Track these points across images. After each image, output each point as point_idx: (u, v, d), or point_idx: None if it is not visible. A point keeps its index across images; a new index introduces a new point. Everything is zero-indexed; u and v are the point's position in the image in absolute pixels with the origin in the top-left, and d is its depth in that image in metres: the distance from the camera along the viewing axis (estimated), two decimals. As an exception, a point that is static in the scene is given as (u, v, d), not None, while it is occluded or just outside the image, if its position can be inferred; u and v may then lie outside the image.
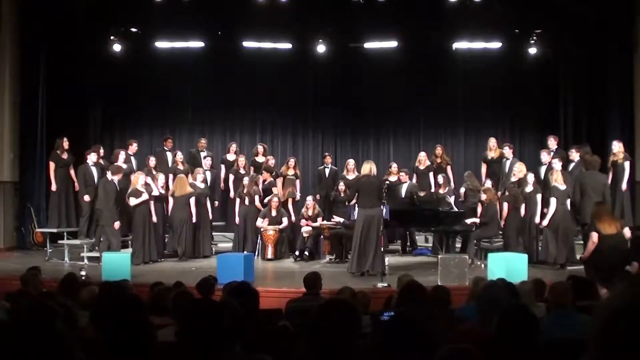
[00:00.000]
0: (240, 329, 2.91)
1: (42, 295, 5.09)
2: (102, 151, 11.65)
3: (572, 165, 10.63)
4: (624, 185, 10.27)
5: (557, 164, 10.29)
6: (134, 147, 11.73)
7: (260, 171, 11.66)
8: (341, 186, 11.26)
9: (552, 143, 11.30)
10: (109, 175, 10.51)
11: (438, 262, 8.45)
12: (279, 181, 11.77)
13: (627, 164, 10.31)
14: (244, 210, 11.06)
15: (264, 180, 11.45)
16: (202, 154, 12.25)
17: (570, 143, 11.86)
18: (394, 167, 11.81)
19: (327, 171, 12.23)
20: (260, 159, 12.19)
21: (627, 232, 8.24)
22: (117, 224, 10.05)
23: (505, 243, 9.97)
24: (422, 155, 12.15)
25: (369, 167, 9.19)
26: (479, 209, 10.49)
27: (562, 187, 9.67)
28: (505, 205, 10.10)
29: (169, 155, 12.07)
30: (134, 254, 9.91)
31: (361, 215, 9.02)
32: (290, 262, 10.68)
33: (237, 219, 11.11)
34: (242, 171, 11.73)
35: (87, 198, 10.95)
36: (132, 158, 11.65)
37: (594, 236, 8.00)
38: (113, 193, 10.21)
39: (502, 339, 2.71)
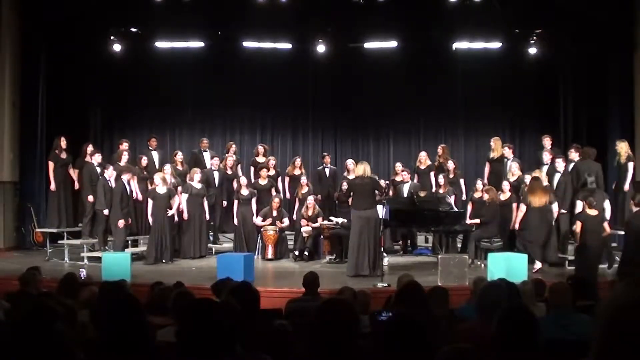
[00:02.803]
0: (240, 329, 2.91)
1: (42, 295, 5.09)
2: (91, 147, 11.65)
3: (571, 164, 10.63)
4: (626, 186, 10.27)
5: (560, 164, 10.29)
6: (124, 147, 11.72)
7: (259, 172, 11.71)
8: (344, 186, 11.27)
9: (547, 142, 11.33)
10: (107, 174, 10.61)
11: (438, 262, 8.45)
12: (286, 181, 11.90)
13: (630, 165, 10.30)
14: (242, 211, 11.06)
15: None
16: (205, 154, 12.25)
17: (570, 143, 11.86)
18: (399, 166, 11.81)
19: (327, 171, 12.24)
20: (260, 159, 12.19)
21: (555, 206, 9.45)
22: (120, 223, 10.11)
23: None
24: (423, 155, 12.15)
25: (362, 168, 9.16)
26: (469, 208, 10.52)
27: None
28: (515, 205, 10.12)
29: (155, 154, 12.06)
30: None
31: (355, 218, 8.99)
32: (290, 262, 10.69)
33: (235, 220, 11.10)
34: (229, 171, 11.72)
35: (91, 198, 10.95)
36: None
37: (522, 207, 9.50)
38: (119, 193, 10.29)
39: (502, 339, 2.70)
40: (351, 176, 11.59)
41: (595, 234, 8.59)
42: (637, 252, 8.27)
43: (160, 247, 10.24)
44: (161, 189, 10.33)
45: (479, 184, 10.66)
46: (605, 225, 8.87)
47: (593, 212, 8.61)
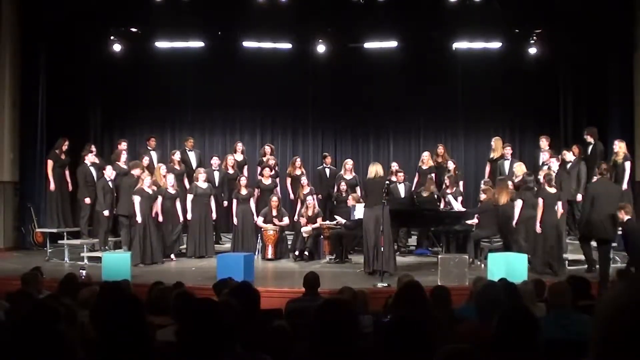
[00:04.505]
0: (240, 329, 2.92)
1: (44, 296, 5.10)
2: (93, 148, 11.65)
3: (569, 164, 10.64)
4: (624, 185, 10.28)
5: (554, 164, 10.31)
6: (122, 146, 11.70)
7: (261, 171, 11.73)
8: (342, 186, 11.29)
9: (544, 143, 11.37)
10: (107, 174, 10.63)
11: (438, 262, 8.45)
12: (288, 181, 11.92)
13: (627, 164, 10.32)
14: (241, 210, 11.06)
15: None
16: (191, 153, 12.27)
17: (570, 143, 11.87)
18: (394, 166, 11.82)
19: (327, 171, 12.24)
20: (267, 158, 12.20)
21: (518, 203, 9.79)
22: (139, 219, 10.15)
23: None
24: (425, 155, 12.18)
25: (375, 170, 9.22)
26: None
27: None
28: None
29: (153, 154, 12.07)
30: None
31: (372, 217, 8.99)
32: (290, 262, 10.69)
33: (234, 220, 11.11)
34: (230, 171, 11.72)
35: (87, 200, 10.94)
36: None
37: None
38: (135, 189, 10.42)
39: (501, 339, 2.70)
40: (348, 176, 11.66)
41: (554, 210, 9.27)
42: (593, 215, 8.67)
43: (150, 248, 10.19)
44: (148, 189, 10.29)
45: (485, 185, 10.71)
46: (559, 203, 9.41)
47: (552, 189, 9.25)
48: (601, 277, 8.32)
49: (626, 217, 8.45)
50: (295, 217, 11.31)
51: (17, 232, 11.97)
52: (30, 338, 2.39)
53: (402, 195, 11.14)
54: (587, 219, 8.80)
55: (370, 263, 8.96)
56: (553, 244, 9.15)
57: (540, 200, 9.24)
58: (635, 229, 8.46)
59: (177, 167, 11.59)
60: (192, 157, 12.28)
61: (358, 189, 11.60)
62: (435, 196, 10.89)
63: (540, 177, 10.02)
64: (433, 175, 11.88)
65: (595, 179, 9.10)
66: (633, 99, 11.58)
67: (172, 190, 10.73)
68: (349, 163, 11.89)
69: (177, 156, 11.76)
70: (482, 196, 10.33)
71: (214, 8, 12.12)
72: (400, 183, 11.38)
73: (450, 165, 11.79)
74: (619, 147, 10.44)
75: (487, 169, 11.85)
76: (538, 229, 9.24)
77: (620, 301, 1.32)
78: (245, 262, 8.48)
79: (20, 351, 2.38)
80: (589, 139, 11.02)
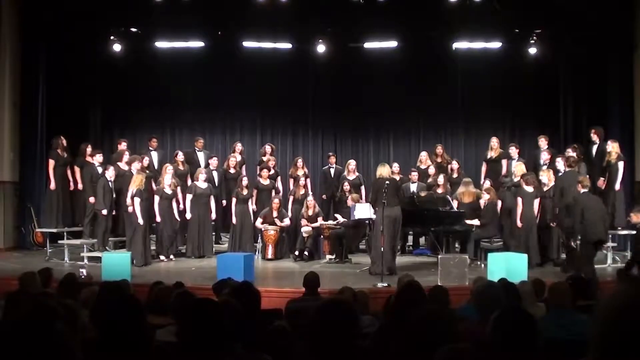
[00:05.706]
0: (240, 329, 2.92)
1: (42, 296, 5.09)
2: (89, 148, 11.63)
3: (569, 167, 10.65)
4: (617, 186, 10.25)
5: (561, 164, 10.29)
6: (122, 146, 11.71)
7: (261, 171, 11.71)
8: (346, 186, 11.29)
9: (543, 143, 11.37)
10: (108, 174, 10.64)
11: (438, 262, 8.45)
12: (290, 182, 11.91)
13: (620, 164, 10.29)
14: (239, 210, 11.06)
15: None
16: (200, 154, 12.28)
17: (570, 143, 11.87)
18: (396, 167, 11.83)
19: (332, 171, 12.25)
20: (267, 158, 12.20)
21: (482, 201, 10.41)
22: (141, 220, 10.12)
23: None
24: (424, 154, 12.21)
25: (387, 170, 9.22)
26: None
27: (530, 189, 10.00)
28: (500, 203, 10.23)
29: (154, 155, 12.07)
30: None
31: (389, 215, 8.96)
32: (290, 262, 10.69)
33: (234, 219, 11.11)
34: (231, 171, 11.73)
35: (92, 199, 10.93)
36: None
37: (455, 202, 10.67)
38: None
39: (496, 340, 2.70)
40: (351, 176, 11.65)
41: (532, 208, 9.77)
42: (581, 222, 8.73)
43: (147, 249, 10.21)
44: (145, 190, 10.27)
45: (487, 185, 10.71)
46: (536, 201, 9.80)
47: (530, 188, 9.75)
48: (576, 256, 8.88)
49: (582, 190, 8.62)
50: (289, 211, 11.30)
51: (17, 232, 11.97)
52: (27, 338, 2.38)
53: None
54: (562, 210, 9.22)
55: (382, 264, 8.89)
56: (535, 237, 9.67)
57: (519, 199, 9.73)
58: (585, 200, 8.57)
59: (180, 167, 11.59)
60: (201, 157, 12.28)
61: (363, 189, 11.60)
62: (448, 196, 10.87)
63: (543, 177, 10.04)
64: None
65: (581, 191, 8.87)
66: (633, 99, 11.59)
67: (168, 190, 10.71)
68: (351, 164, 11.88)
69: (180, 157, 11.77)
70: (486, 196, 10.34)
71: (214, 8, 12.12)
72: (413, 183, 11.40)
73: (455, 165, 11.81)
74: (612, 147, 10.43)
75: (484, 168, 11.84)
76: (519, 224, 9.73)
77: (620, 301, 1.32)
78: (245, 262, 8.48)
79: (18, 351, 2.38)
80: (595, 138, 10.95)
